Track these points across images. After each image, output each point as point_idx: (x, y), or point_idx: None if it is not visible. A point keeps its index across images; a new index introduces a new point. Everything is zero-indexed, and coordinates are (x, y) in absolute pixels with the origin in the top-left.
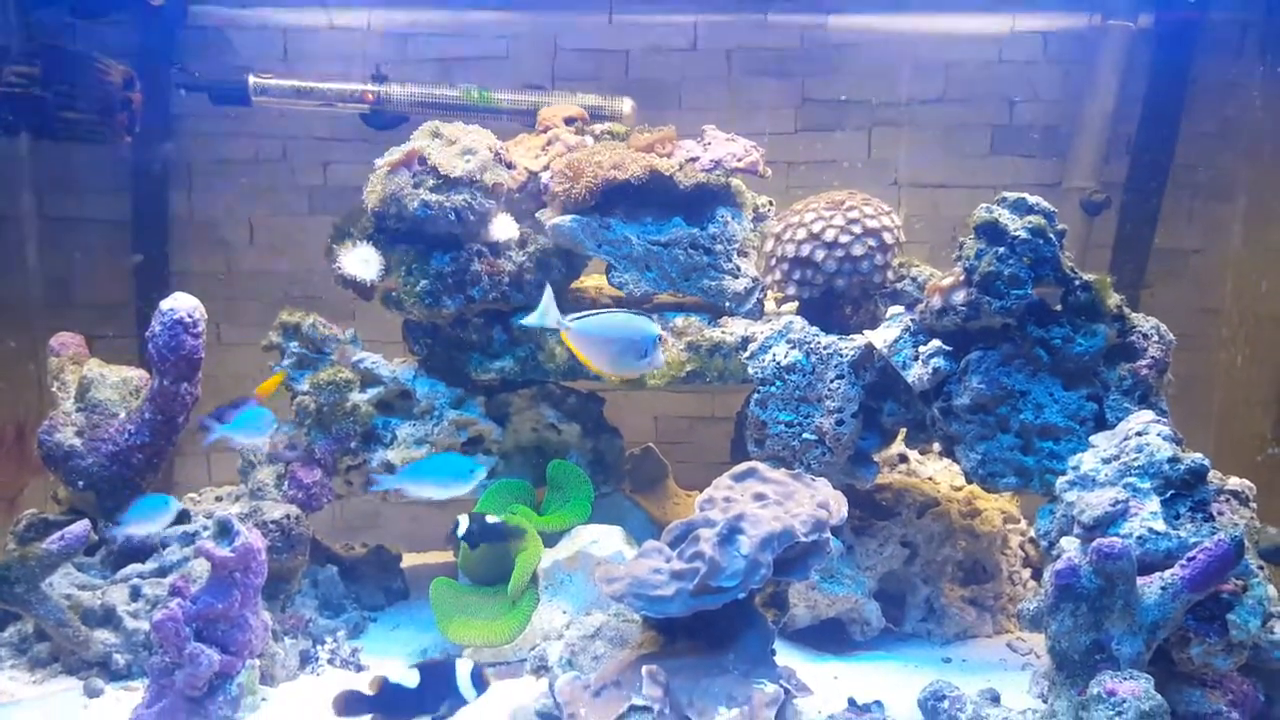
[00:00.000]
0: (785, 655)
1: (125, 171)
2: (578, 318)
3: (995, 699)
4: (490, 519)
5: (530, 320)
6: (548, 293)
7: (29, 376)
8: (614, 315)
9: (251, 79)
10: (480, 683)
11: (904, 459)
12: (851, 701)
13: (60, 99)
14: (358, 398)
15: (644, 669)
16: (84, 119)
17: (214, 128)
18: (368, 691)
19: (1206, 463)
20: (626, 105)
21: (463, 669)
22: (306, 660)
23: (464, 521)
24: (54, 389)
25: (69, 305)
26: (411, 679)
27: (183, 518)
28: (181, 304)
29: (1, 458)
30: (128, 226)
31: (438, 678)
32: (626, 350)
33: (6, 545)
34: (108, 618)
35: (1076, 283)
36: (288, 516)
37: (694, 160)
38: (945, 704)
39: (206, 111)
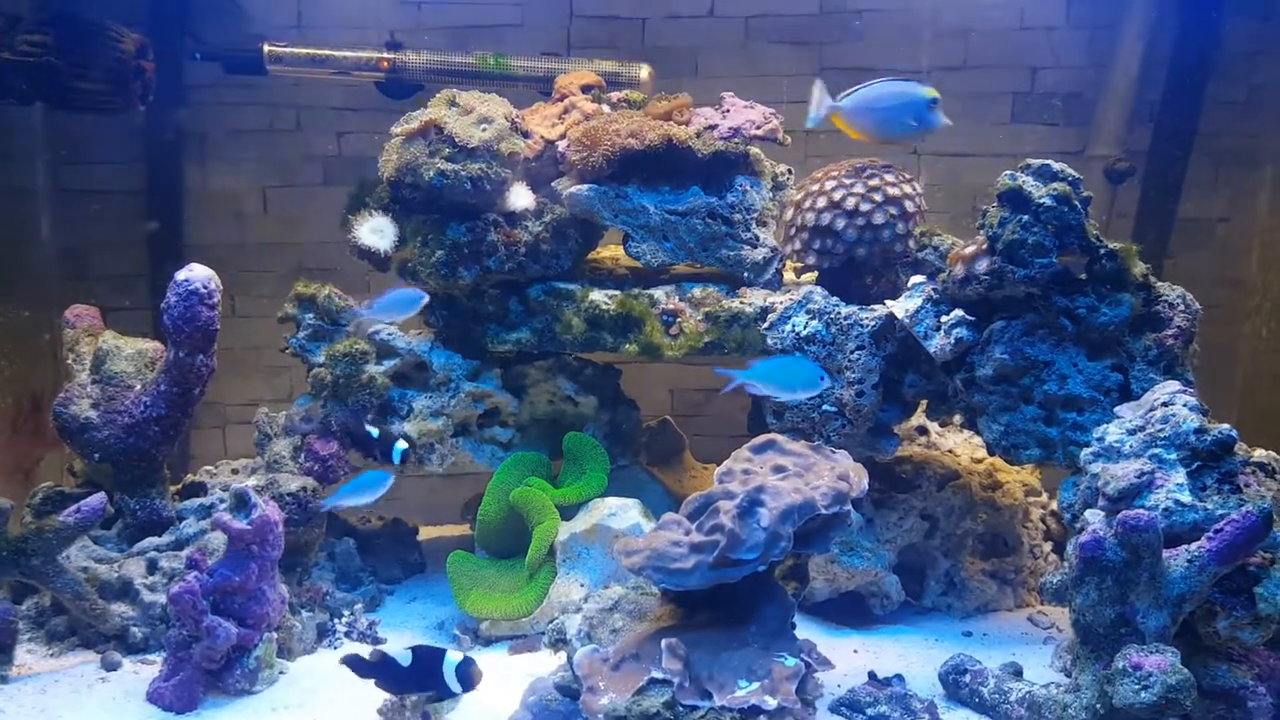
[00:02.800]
0: (804, 629)
1: (139, 142)
2: (848, 94)
3: (1018, 672)
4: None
5: (811, 117)
6: (817, 87)
7: (44, 349)
8: (884, 85)
9: (266, 47)
10: (466, 679)
11: (924, 431)
12: (872, 675)
13: (73, 68)
14: (374, 369)
15: (663, 642)
16: (97, 88)
17: (228, 97)
18: (370, 659)
19: (1234, 433)
20: (644, 72)
21: (451, 659)
22: (324, 633)
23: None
24: (69, 361)
25: (83, 277)
26: (405, 658)
27: (198, 490)
28: (196, 275)
29: (17, 430)
30: (142, 197)
31: (428, 664)
32: (901, 114)
33: (23, 518)
34: (125, 591)
35: (1102, 251)
36: (304, 489)
37: (712, 128)
38: (967, 677)
39: (220, 80)
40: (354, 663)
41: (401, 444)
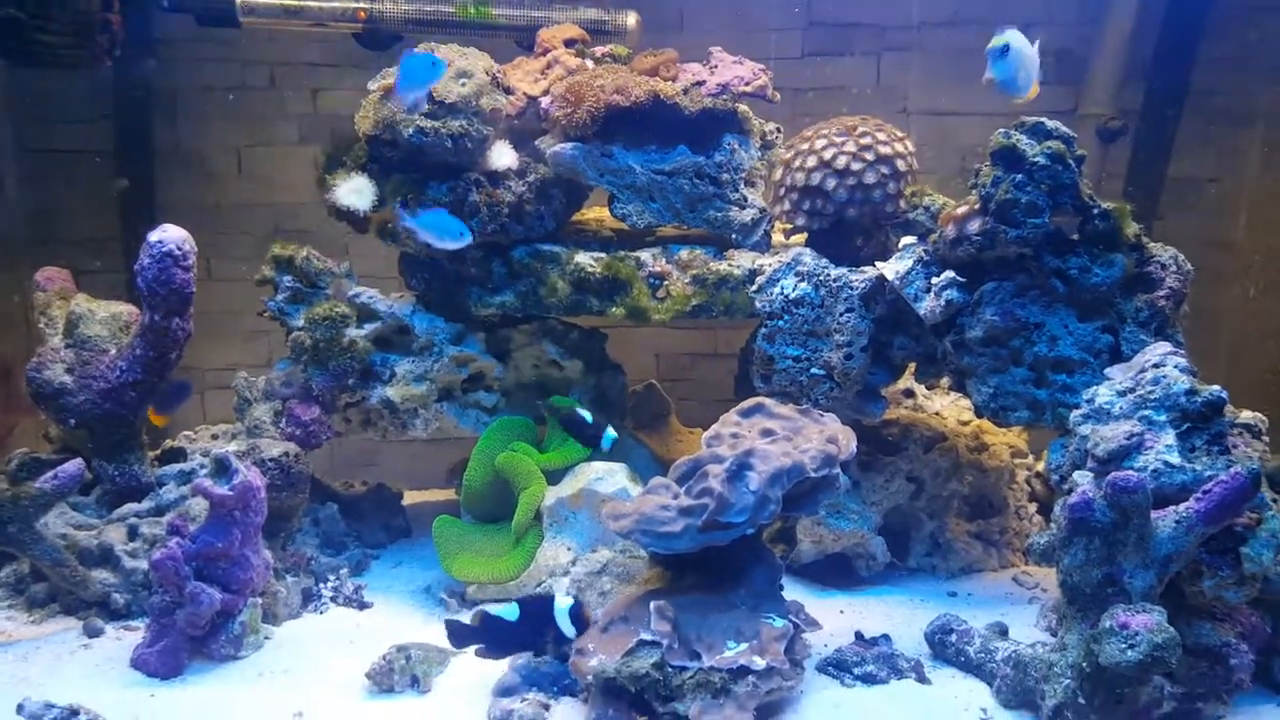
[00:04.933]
0: (791, 590)
1: (107, 99)
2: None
3: (1003, 632)
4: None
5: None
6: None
7: (14, 313)
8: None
9: None
10: (580, 620)
11: (910, 394)
12: (859, 635)
13: (36, 20)
14: (355, 333)
15: (652, 604)
16: (61, 41)
17: (199, 52)
18: (471, 623)
19: (1224, 395)
20: (631, 19)
21: (560, 604)
22: (310, 598)
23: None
24: (41, 325)
25: (53, 239)
26: (512, 613)
27: (178, 456)
28: (171, 236)
29: None
30: (111, 157)
31: (537, 613)
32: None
33: None
34: (105, 557)
35: (1095, 211)
36: (286, 454)
37: (700, 84)
38: (953, 637)
39: (191, 34)
40: (456, 630)
41: (611, 433)
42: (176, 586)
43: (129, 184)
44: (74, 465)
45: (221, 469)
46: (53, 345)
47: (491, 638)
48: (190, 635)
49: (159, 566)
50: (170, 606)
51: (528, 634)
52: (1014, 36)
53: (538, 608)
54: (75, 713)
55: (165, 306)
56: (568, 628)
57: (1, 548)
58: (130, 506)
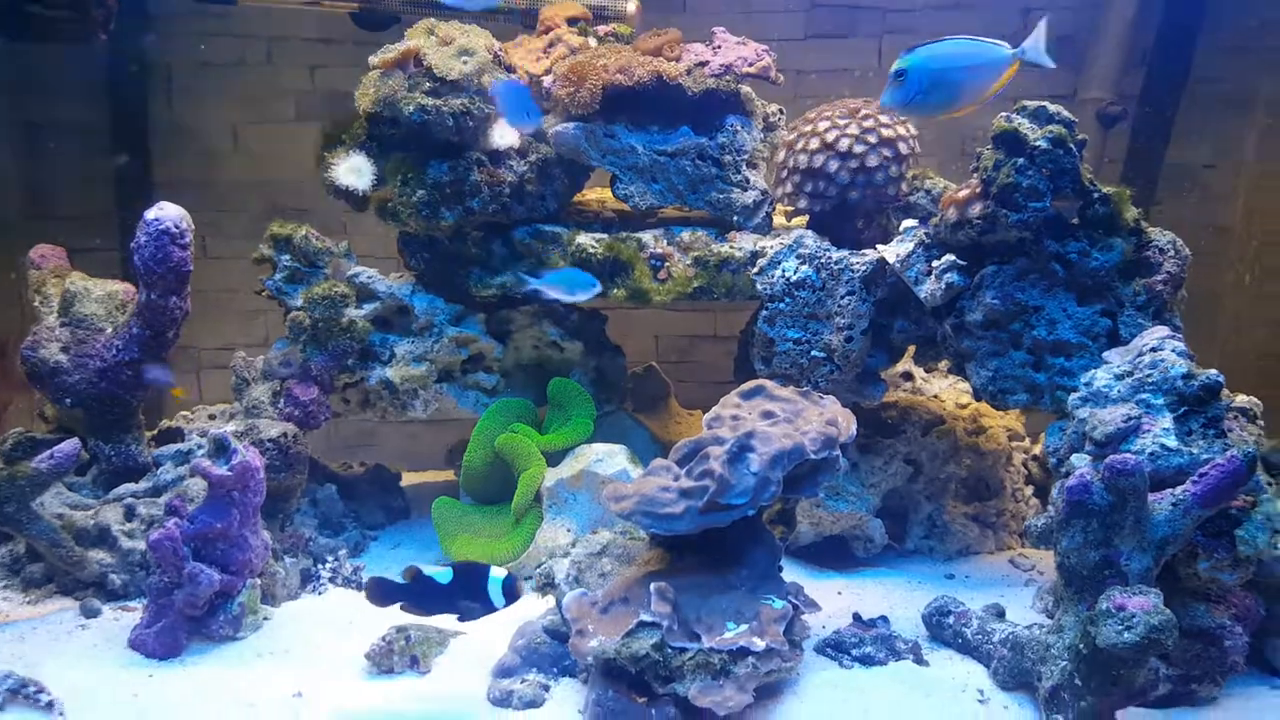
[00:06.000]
0: (789, 572)
1: (101, 74)
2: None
3: (1000, 614)
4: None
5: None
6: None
7: (9, 290)
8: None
9: None
10: (511, 593)
11: (909, 377)
12: (856, 616)
13: None
14: (354, 313)
15: (652, 585)
16: (56, 15)
17: (195, 27)
18: (401, 580)
19: (1221, 379)
20: (631, 5)
21: (495, 575)
22: (308, 579)
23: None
24: (36, 303)
25: (48, 216)
26: (445, 575)
27: (175, 436)
28: (167, 213)
29: None
30: (106, 133)
31: (470, 580)
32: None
33: None
34: (102, 538)
35: (1095, 195)
36: (285, 434)
37: (703, 65)
38: (950, 619)
39: (187, 9)
40: (379, 586)
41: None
42: (175, 567)
43: (125, 160)
44: (70, 445)
45: (220, 449)
46: (48, 324)
47: (419, 596)
48: (188, 616)
49: (157, 547)
50: (168, 587)
51: (457, 598)
52: (926, 53)
53: (472, 575)
54: (25, 684)
55: (162, 285)
56: (498, 599)
57: None
58: (127, 487)
